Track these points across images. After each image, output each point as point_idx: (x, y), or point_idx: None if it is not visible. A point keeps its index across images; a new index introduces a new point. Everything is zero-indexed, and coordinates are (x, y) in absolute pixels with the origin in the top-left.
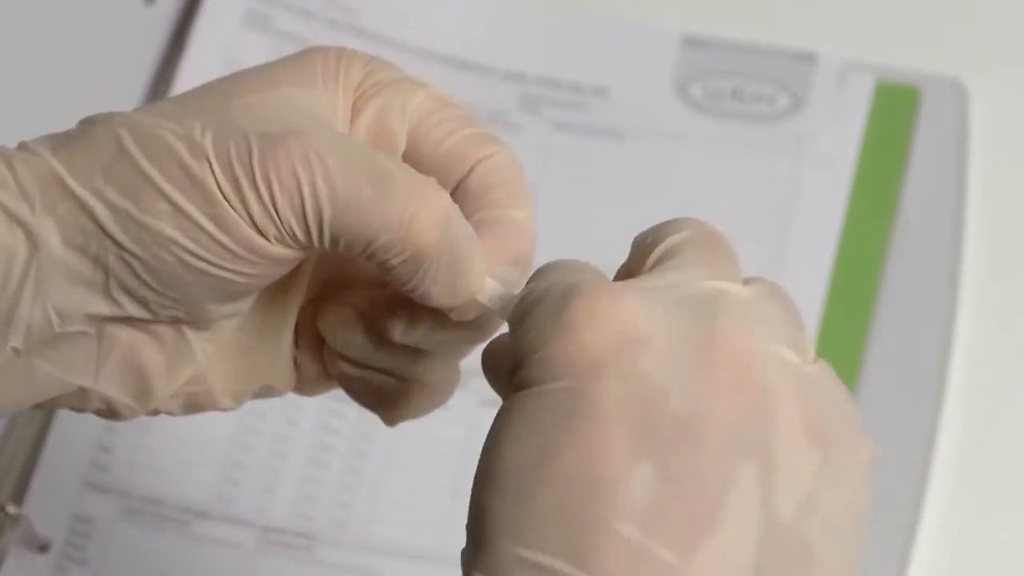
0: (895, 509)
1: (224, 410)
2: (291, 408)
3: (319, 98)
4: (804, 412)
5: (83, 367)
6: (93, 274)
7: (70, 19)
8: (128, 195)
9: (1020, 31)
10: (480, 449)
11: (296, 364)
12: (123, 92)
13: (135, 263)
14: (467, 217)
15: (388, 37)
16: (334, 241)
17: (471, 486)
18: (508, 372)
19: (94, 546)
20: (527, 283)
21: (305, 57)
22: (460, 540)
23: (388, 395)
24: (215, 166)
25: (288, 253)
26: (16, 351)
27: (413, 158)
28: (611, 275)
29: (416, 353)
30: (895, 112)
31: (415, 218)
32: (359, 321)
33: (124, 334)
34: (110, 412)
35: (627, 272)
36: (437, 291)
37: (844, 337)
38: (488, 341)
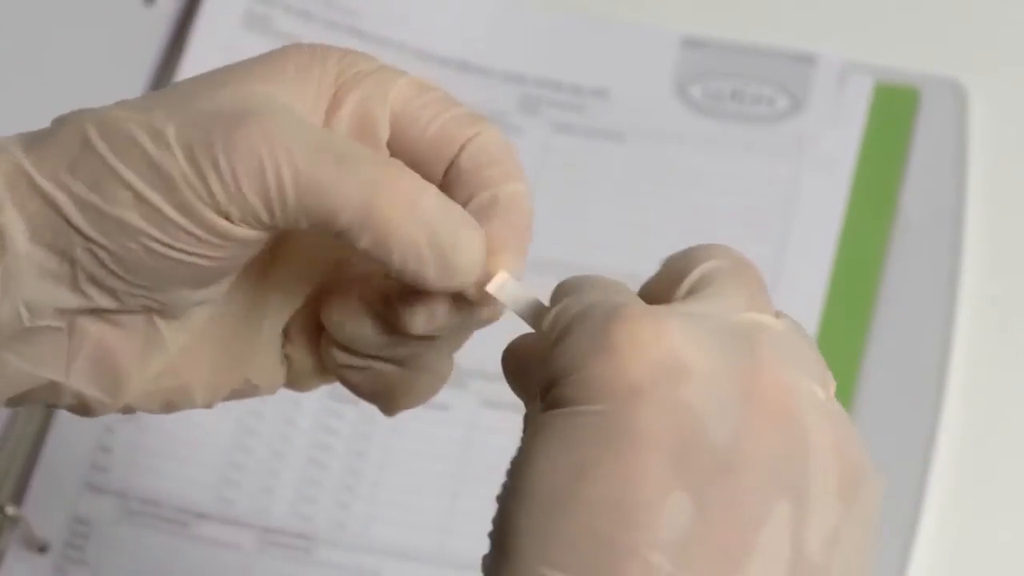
0: (895, 509)
1: (203, 407)
2: (290, 408)
3: (287, 91)
4: (836, 450)
5: (54, 361)
6: (60, 267)
7: (70, 19)
8: (94, 188)
9: (1020, 31)
10: (479, 449)
11: (289, 360)
12: (123, 92)
13: (102, 253)
14: (465, 199)
15: (387, 38)
16: (297, 221)
17: (499, 495)
18: (543, 387)
19: (93, 547)
20: (557, 295)
21: (278, 53)
22: (459, 540)
23: (388, 385)
24: (177, 152)
25: (252, 234)
26: None
27: (400, 145)
28: (609, 276)
29: (427, 341)
30: (895, 113)
31: (375, 196)
32: (368, 312)
33: (94, 327)
34: (82, 407)
35: (653, 292)
36: (430, 274)
37: (844, 338)
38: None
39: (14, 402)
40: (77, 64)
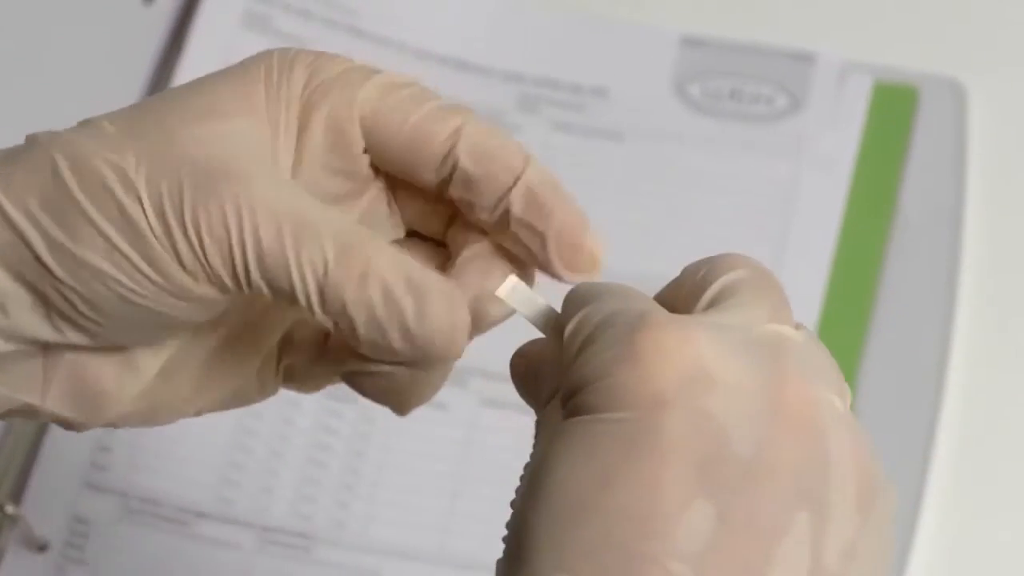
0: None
1: (191, 416)
2: (289, 408)
3: (259, 131)
4: (854, 461)
5: (29, 386)
6: (35, 301)
7: (69, 19)
8: (64, 227)
9: (1019, 31)
10: (479, 449)
11: (290, 367)
12: (121, 92)
13: (74, 297)
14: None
15: (387, 37)
16: (259, 290)
17: (512, 501)
18: (565, 394)
19: (93, 546)
20: (572, 301)
21: (249, 74)
22: (459, 540)
23: (400, 387)
24: (147, 207)
25: (219, 296)
26: None
27: (377, 150)
28: (608, 276)
29: None
30: (894, 112)
31: (329, 274)
32: None
33: (69, 352)
34: (64, 424)
35: (669, 300)
36: (396, 347)
37: (843, 337)
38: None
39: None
40: (76, 63)
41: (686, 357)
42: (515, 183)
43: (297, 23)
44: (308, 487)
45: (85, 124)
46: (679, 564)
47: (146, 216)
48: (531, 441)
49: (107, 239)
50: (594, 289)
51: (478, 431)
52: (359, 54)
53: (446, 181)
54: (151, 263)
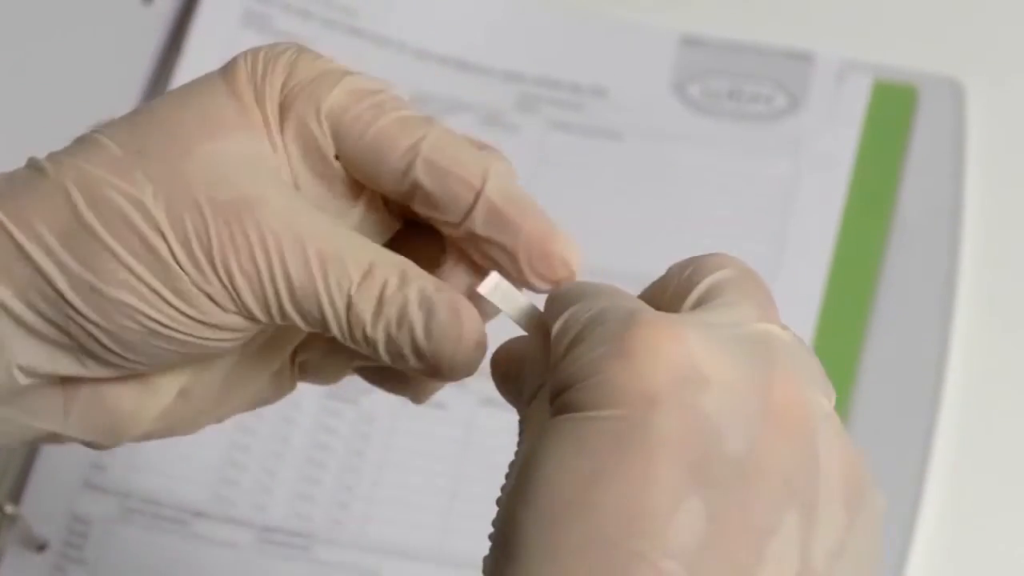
0: (893, 508)
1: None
2: (289, 408)
3: (259, 144)
4: (843, 463)
5: (51, 415)
6: (59, 337)
7: (68, 19)
8: (87, 265)
9: (1018, 31)
10: (477, 448)
11: (304, 364)
12: (121, 92)
13: (99, 333)
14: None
15: (386, 37)
16: (292, 322)
17: (499, 499)
18: (552, 392)
19: (92, 546)
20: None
21: (238, 80)
22: (458, 539)
23: (415, 378)
24: (171, 241)
25: (249, 325)
26: None
27: (345, 157)
28: (607, 275)
29: None
30: (893, 112)
31: (352, 299)
32: None
33: (88, 381)
34: (89, 445)
35: (655, 300)
36: (412, 366)
37: (842, 336)
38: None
39: (24, 445)
40: (75, 63)
41: (678, 355)
42: (476, 200)
43: (296, 23)
44: (307, 486)
45: (84, 142)
46: (670, 562)
47: (171, 249)
48: None
49: (134, 274)
50: (581, 288)
51: (477, 430)
52: (358, 54)
53: (410, 195)
54: (179, 295)
